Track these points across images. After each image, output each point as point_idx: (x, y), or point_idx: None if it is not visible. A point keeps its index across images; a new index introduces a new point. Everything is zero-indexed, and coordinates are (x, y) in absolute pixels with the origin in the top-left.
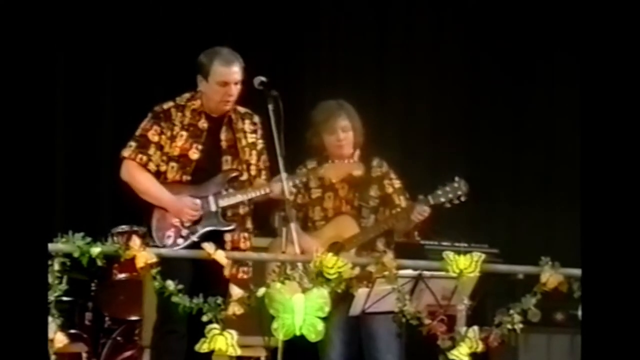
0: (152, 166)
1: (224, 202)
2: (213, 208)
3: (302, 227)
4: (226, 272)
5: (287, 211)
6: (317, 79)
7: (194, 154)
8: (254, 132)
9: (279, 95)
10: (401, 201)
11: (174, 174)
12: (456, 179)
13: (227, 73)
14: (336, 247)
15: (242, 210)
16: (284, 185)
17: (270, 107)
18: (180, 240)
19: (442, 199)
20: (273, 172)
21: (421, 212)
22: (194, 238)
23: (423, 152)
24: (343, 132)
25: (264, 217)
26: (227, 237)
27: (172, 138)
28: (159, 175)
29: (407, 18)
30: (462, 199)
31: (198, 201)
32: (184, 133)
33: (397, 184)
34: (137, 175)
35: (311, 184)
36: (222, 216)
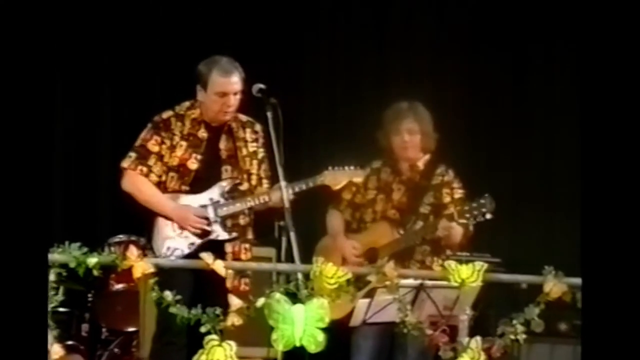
0: (153, 177)
1: (223, 212)
2: (212, 217)
3: (353, 228)
4: (228, 284)
5: (286, 220)
6: (317, 86)
7: (193, 164)
8: (255, 140)
9: (277, 102)
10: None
11: (174, 184)
12: (485, 195)
13: (226, 83)
14: (370, 254)
15: (242, 221)
16: (283, 194)
17: (269, 114)
18: (178, 252)
19: (467, 216)
20: (275, 181)
21: (446, 227)
22: (194, 248)
23: None
24: (409, 134)
25: (267, 227)
26: (228, 247)
27: (172, 148)
28: (159, 185)
29: (407, 22)
30: (487, 216)
31: (206, 210)
32: (184, 143)
33: (458, 194)
34: (140, 185)
35: (369, 184)
36: (222, 226)
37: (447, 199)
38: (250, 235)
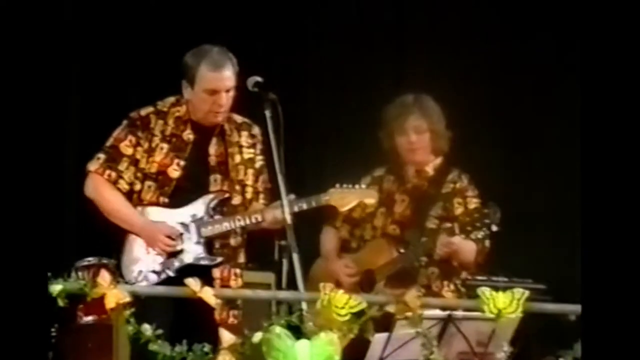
0: (123, 184)
1: (207, 231)
2: (194, 238)
3: (352, 248)
4: (216, 315)
5: (288, 239)
6: (322, 79)
7: (174, 172)
8: (252, 146)
9: (277, 98)
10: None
11: (150, 195)
12: (490, 204)
13: (217, 79)
14: (366, 276)
15: (233, 241)
16: (285, 208)
17: (268, 113)
18: (152, 276)
19: (469, 228)
20: (275, 195)
21: (446, 244)
22: (169, 273)
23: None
24: (416, 133)
25: (264, 246)
26: (216, 272)
27: (150, 151)
28: (131, 195)
29: (425, 11)
30: (494, 228)
31: (179, 228)
32: (165, 145)
33: (473, 203)
34: (104, 192)
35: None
36: (206, 247)
37: (459, 210)
38: (242, 259)
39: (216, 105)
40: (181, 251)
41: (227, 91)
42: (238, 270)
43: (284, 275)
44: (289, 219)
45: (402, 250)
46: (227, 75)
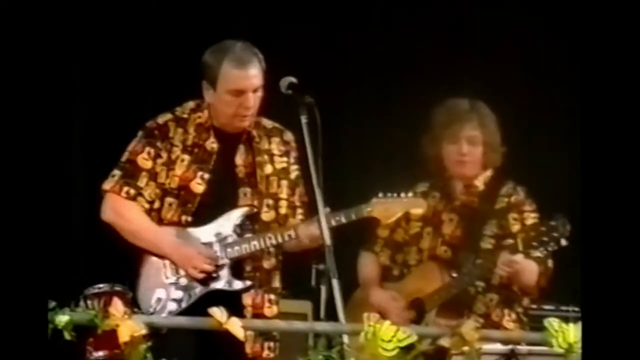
0: (142, 202)
1: (234, 252)
2: (220, 260)
3: (394, 275)
4: (248, 349)
5: (327, 263)
6: (362, 79)
7: (198, 186)
8: (285, 154)
9: (314, 102)
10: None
11: (172, 213)
12: (557, 215)
13: (242, 78)
14: (414, 306)
15: (267, 263)
16: (323, 226)
17: (304, 118)
18: (172, 305)
19: (535, 244)
20: (314, 209)
21: (508, 263)
22: (192, 300)
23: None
24: (469, 144)
25: (299, 271)
26: (247, 299)
27: (170, 164)
28: (149, 214)
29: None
30: (563, 243)
31: (217, 249)
32: (186, 157)
33: (531, 219)
34: (124, 212)
35: (412, 216)
36: (234, 270)
37: (516, 227)
38: (277, 283)
39: (242, 107)
40: (206, 275)
41: (254, 91)
42: (272, 296)
43: (322, 304)
44: (327, 237)
45: (454, 275)
46: (254, 73)
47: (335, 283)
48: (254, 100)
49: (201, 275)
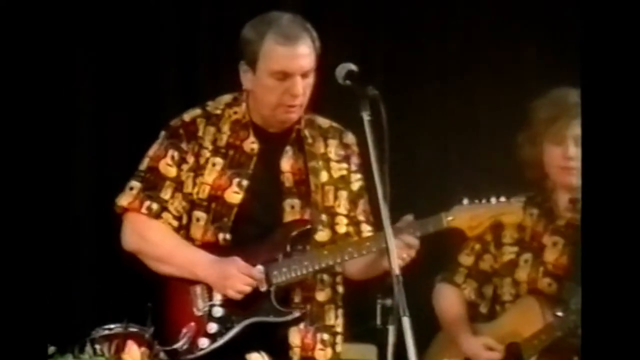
0: (169, 219)
1: (280, 277)
2: (263, 286)
3: (481, 314)
4: None
5: (395, 297)
6: (441, 66)
7: (235, 196)
8: (345, 159)
9: (380, 95)
10: None
11: (202, 231)
12: None
13: (289, 56)
14: (510, 353)
15: (321, 294)
16: (389, 248)
17: (366, 115)
18: (204, 342)
19: None
20: (380, 226)
21: None
22: (229, 336)
23: None
24: (578, 145)
25: (361, 306)
26: (295, 336)
27: (199, 169)
28: (178, 233)
29: None
30: None
31: (260, 267)
32: (219, 160)
33: None
34: (150, 234)
35: (505, 237)
36: (279, 300)
37: None
38: (332, 320)
39: (288, 95)
40: (244, 304)
41: (304, 75)
42: (326, 336)
43: (390, 348)
44: (396, 267)
45: (559, 314)
46: (303, 52)
47: (406, 322)
48: (302, 86)
49: (240, 296)
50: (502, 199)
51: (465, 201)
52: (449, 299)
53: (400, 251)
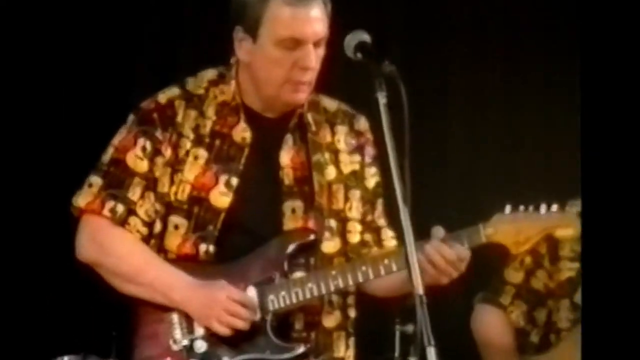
0: (137, 224)
1: (278, 301)
2: (256, 314)
3: (533, 344)
4: None
5: (418, 322)
6: (475, 37)
7: (222, 198)
8: (358, 150)
9: (398, 72)
10: None
11: (180, 242)
12: None
13: (301, 20)
14: None
15: (330, 320)
16: (410, 261)
17: (381, 96)
18: None
19: None
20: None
21: None
22: None
23: None
24: None
25: (376, 333)
26: None
27: (177, 164)
28: (147, 242)
29: None
30: None
31: (253, 293)
32: (203, 153)
33: None
34: (113, 243)
35: (562, 250)
36: (277, 329)
37: None
38: (342, 351)
39: (298, 69)
40: (234, 338)
41: (316, 44)
42: None
43: None
44: (419, 287)
45: None
46: (317, 15)
47: (431, 353)
48: (314, 58)
49: (229, 332)
50: (554, 207)
51: (508, 209)
52: (492, 325)
53: (442, 262)
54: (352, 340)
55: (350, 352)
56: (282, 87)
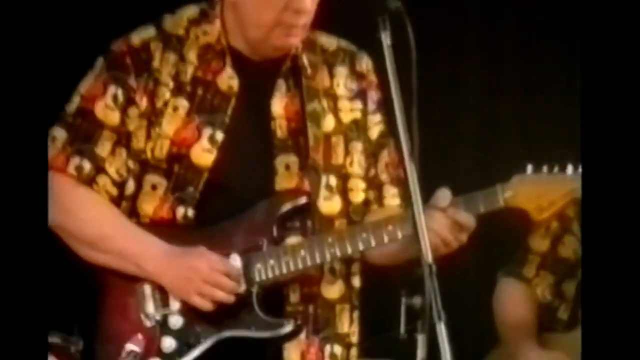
0: (106, 184)
1: (265, 273)
2: (241, 286)
3: (557, 319)
4: None
5: (426, 294)
6: None
7: (205, 155)
8: (359, 95)
9: (404, 7)
10: None
11: (156, 204)
12: None
13: None
14: None
15: (330, 290)
16: (419, 228)
17: (385, 38)
18: None
19: None
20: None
21: None
22: (192, 357)
23: None
24: None
25: (378, 307)
26: (292, 354)
27: (154, 116)
28: (119, 205)
29: None
30: None
31: (237, 262)
32: (183, 103)
33: None
34: (78, 205)
35: None
36: (262, 304)
37: None
38: (345, 327)
39: (291, 11)
40: (215, 312)
41: None
42: (338, 349)
43: None
44: (429, 255)
45: None
46: None
47: (441, 330)
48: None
49: (210, 306)
50: (580, 166)
51: (530, 169)
52: (513, 301)
53: (444, 231)
54: (356, 314)
55: (355, 328)
56: (272, 31)
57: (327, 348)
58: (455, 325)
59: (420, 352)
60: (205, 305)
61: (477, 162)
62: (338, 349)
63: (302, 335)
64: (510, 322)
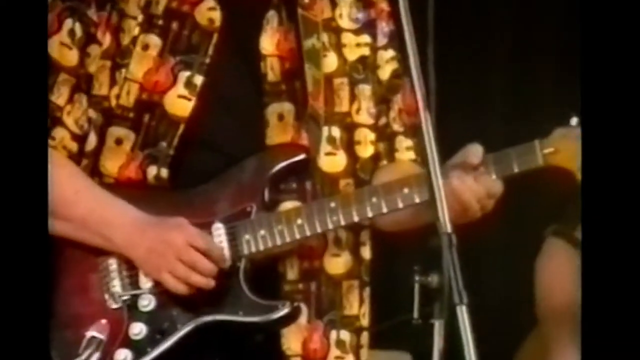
0: (65, 138)
1: (255, 245)
2: (225, 261)
3: None
4: None
5: (445, 271)
6: None
7: (181, 102)
8: (367, 27)
9: None
10: None
11: (122, 162)
12: None
13: None
14: None
15: (335, 264)
16: (436, 192)
17: None
18: (123, 354)
19: None
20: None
21: None
22: (167, 345)
23: None
24: None
25: (389, 286)
26: (291, 341)
27: (120, 56)
28: (79, 162)
29: None
30: None
31: (221, 231)
32: (155, 40)
33: None
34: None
35: None
36: (251, 282)
37: None
38: (356, 307)
39: None
40: (198, 294)
41: None
42: (346, 335)
43: (436, 353)
44: (447, 224)
45: None
46: None
47: (462, 313)
48: None
49: (186, 289)
50: None
51: (575, 121)
52: (561, 269)
53: (467, 195)
54: (367, 292)
55: (366, 309)
56: None
57: (333, 334)
58: (479, 309)
59: (437, 341)
60: (178, 287)
61: (510, 113)
62: (346, 335)
63: (304, 320)
64: (555, 297)
